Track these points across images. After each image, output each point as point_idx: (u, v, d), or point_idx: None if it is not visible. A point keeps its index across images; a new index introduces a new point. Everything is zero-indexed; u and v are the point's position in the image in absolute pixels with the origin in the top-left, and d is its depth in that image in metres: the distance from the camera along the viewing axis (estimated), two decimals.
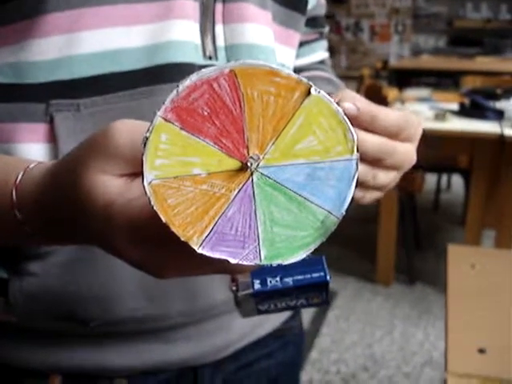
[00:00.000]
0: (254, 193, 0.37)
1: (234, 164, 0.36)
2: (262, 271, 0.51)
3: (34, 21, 0.57)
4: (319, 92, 0.37)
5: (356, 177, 0.38)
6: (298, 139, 0.37)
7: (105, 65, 0.59)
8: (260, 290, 0.51)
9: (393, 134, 0.56)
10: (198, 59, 0.63)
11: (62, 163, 0.45)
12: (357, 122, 0.53)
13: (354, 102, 0.55)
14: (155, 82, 0.60)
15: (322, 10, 0.89)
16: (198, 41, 0.63)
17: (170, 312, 0.67)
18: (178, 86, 0.35)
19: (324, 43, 0.93)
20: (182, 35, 0.61)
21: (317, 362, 2.68)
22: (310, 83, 0.36)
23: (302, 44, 0.86)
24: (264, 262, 0.38)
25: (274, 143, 0.37)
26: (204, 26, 0.64)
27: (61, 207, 0.44)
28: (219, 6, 0.65)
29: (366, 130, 0.55)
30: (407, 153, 0.59)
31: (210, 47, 0.64)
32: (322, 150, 0.37)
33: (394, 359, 2.70)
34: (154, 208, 0.35)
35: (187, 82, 0.35)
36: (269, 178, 0.37)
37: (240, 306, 0.52)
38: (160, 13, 0.60)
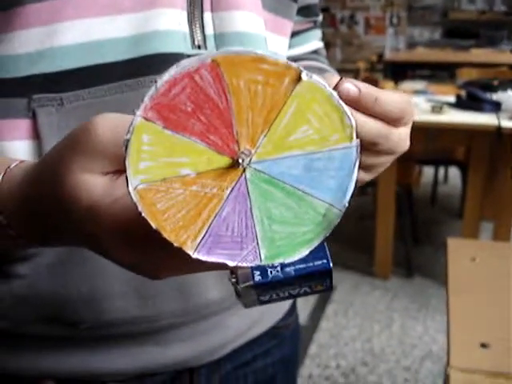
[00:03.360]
0: (248, 190, 0.35)
1: (224, 161, 0.34)
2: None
3: (13, 12, 0.55)
4: (311, 77, 0.34)
5: (357, 165, 0.36)
6: (291, 129, 0.35)
7: (88, 56, 0.57)
8: (261, 281, 0.49)
9: (395, 119, 0.53)
10: (186, 49, 0.61)
11: (42, 162, 0.43)
12: (358, 105, 0.50)
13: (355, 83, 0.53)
14: (142, 73, 0.58)
15: None
16: (186, 29, 0.61)
17: (162, 312, 0.65)
18: (156, 81, 0.33)
19: (318, 32, 0.91)
20: (169, 24, 0.59)
21: (316, 357, 2.68)
22: (301, 68, 0.34)
23: (295, 33, 0.84)
24: (265, 262, 0.36)
25: (265, 136, 0.34)
26: (192, 14, 0.62)
27: (44, 208, 0.43)
28: None
29: (365, 113, 0.52)
30: (402, 138, 0.56)
31: (198, 36, 0.62)
32: (319, 139, 0.35)
33: (394, 353, 2.70)
34: (143, 214, 0.33)
35: (166, 76, 0.32)
36: (263, 173, 0.35)
37: (241, 297, 0.50)
38: (145, 1, 0.58)
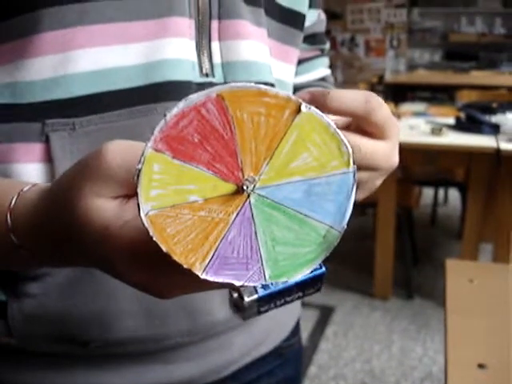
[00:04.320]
0: (252, 214, 0.37)
1: (229, 188, 0.36)
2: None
3: (28, 40, 0.57)
4: (310, 108, 0.37)
5: (354, 189, 0.38)
6: (292, 157, 0.37)
7: (100, 83, 0.59)
8: (264, 293, 0.51)
9: (359, 116, 0.55)
10: (194, 77, 0.63)
11: (55, 186, 0.45)
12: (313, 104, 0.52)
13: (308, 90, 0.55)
14: (152, 100, 0.60)
15: (321, 27, 0.89)
16: (195, 58, 0.63)
17: (170, 332, 0.66)
18: (165, 115, 0.35)
19: (325, 60, 0.93)
20: (177, 53, 0.61)
21: (315, 378, 2.67)
22: (300, 100, 0.36)
23: (302, 61, 0.86)
24: (269, 282, 0.38)
25: (268, 163, 0.37)
26: (200, 43, 0.64)
27: (57, 231, 0.44)
28: (215, 24, 0.64)
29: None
30: (386, 153, 0.58)
31: (206, 64, 0.64)
32: (318, 165, 0.37)
33: (393, 374, 2.69)
34: (154, 239, 0.35)
35: (174, 110, 0.35)
36: (266, 198, 0.37)
37: (243, 311, 0.52)
38: (155, 31, 0.60)
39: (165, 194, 0.36)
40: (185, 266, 0.36)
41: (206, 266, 0.36)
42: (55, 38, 0.57)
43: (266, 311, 0.53)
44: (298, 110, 0.36)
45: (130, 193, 0.41)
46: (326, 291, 3.43)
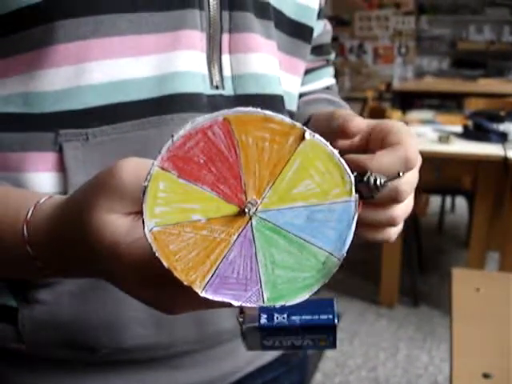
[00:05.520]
0: (253, 236, 0.38)
1: (232, 209, 0.37)
2: (271, 307, 0.52)
3: (43, 51, 0.58)
4: (314, 136, 0.37)
5: (355, 218, 0.39)
6: (295, 183, 0.38)
7: (113, 95, 0.60)
8: (266, 324, 0.51)
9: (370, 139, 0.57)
10: (205, 89, 0.64)
11: (70, 201, 0.46)
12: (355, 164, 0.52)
13: (345, 120, 0.56)
14: (163, 111, 0.61)
15: (327, 38, 0.90)
16: (205, 71, 0.64)
17: (178, 339, 0.67)
18: (172, 135, 0.36)
19: (330, 70, 0.93)
20: (189, 65, 0.62)
21: None
22: (304, 128, 0.37)
23: (308, 71, 0.86)
24: (267, 304, 0.38)
25: (271, 187, 0.37)
26: (211, 56, 0.65)
27: (70, 244, 0.45)
28: (225, 37, 0.65)
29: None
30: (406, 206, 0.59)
31: (217, 77, 0.65)
32: (320, 192, 0.38)
33: (399, 382, 2.68)
34: (156, 254, 0.36)
35: (182, 131, 0.36)
36: (268, 221, 0.38)
37: (245, 337, 0.52)
38: (167, 43, 0.61)
39: (169, 212, 0.37)
40: (185, 283, 0.37)
41: (206, 284, 0.37)
42: (70, 50, 0.58)
43: (272, 348, 0.53)
44: (303, 137, 0.37)
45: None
46: None
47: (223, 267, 0.37)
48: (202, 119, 0.36)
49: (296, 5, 0.74)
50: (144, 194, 0.36)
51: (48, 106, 0.59)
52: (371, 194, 0.47)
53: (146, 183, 0.36)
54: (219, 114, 0.36)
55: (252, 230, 0.38)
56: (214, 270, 0.37)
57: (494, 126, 3.08)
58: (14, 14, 0.57)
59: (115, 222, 0.41)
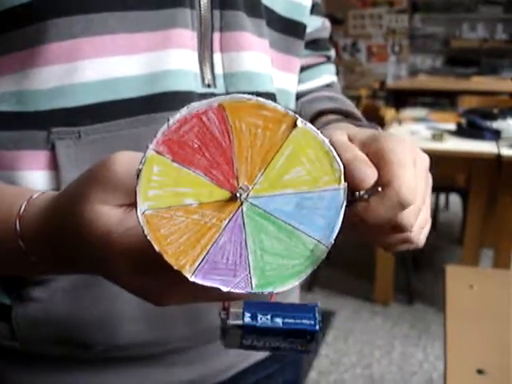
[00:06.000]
0: (244, 222, 0.38)
1: (224, 194, 0.38)
2: (254, 307, 0.52)
3: (35, 50, 0.58)
4: (306, 124, 0.38)
5: (344, 206, 0.39)
6: (286, 170, 0.38)
7: (105, 93, 0.60)
8: (249, 323, 0.51)
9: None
10: (196, 87, 0.64)
11: (63, 194, 0.46)
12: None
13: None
14: (155, 110, 0.61)
15: (325, 33, 0.90)
16: (197, 69, 0.64)
17: (171, 336, 0.67)
18: (168, 119, 0.36)
19: (331, 67, 0.93)
20: (180, 64, 0.62)
21: None
22: (296, 116, 0.38)
23: (306, 68, 0.86)
24: (255, 290, 0.39)
25: (262, 174, 0.38)
26: (202, 54, 0.65)
27: (63, 237, 0.45)
28: (217, 35, 0.65)
29: None
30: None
31: (208, 75, 0.65)
32: (310, 180, 0.39)
33: (394, 380, 2.69)
34: (148, 237, 0.37)
35: (177, 115, 0.36)
36: (258, 207, 0.38)
37: (225, 335, 0.52)
38: (159, 42, 0.61)
39: (162, 196, 0.37)
40: (175, 268, 0.37)
41: (196, 268, 0.37)
42: (62, 48, 0.58)
43: (250, 348, 0.53)
44: (295, 125, 0.38)
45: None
46: (326, 296, 3.43)
47: (213, 252, 0.38)
48: (197, 104, 0.36)
49: (287, 2, 0.74)
50: (138, 176, 0.36)
51: (41, 105, 0.59)
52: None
53: (140, 166, 0.36)
54: (214, 100, 0.37)
55: (242, 216, 0.38)
56: (204, 254, 0.37)
57: (488, 123, 3.09)
58: (6, 12, 0.57)
59: (108, 213, 0.41)
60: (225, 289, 0.38)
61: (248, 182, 0.38)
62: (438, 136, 3.01)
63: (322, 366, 2.80)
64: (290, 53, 0.76)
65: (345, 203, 0.39)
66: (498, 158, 2.75)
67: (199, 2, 0.64)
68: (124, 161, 0.42)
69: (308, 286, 3.45)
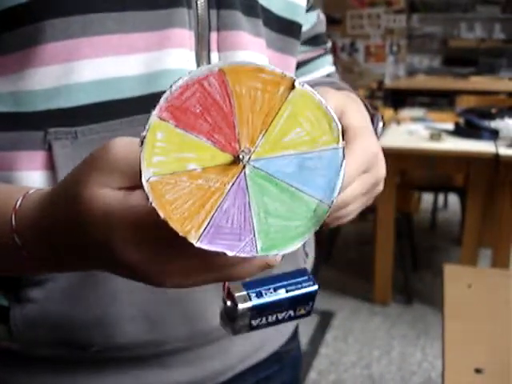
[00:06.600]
0: (247, 185, 0.38)
1: (226, 158, 0.38)
2: (253, 285, 0.52)
3: (32, 50, 0.58)
4: (303, 85, 0.39)
5: (343, 164, 0.40)
6: (285, 131, 0.39)
7: (102, 93, 0.60)
8: (258, 302, 0.51)
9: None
10: (171, 84, 0.64)
11: (60, 184, 0.46)
12: None
13: None
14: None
15: (322, 27, 0.90)
16: (194, 69, 0.64)
17: (169, 337, 0.67)
18: (171, 86, 0.37)
19: (329, 58, 0.94)
20: (178, 63, 0.62)
21: None
22: (294, 77, 0.39)
23: (306, 62, 0.88)
24: (260, 253, 0.39)
25: (263, 136, 0.39)
26: (200, 54, 0.65)
27: (62, 227, 0.45)
28: (214, 35, 0.66)
29: None
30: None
31: None
32: (310, 140, 0.39)
33: (393, 379, 2.69)
34: (153, 204, 0.36)
35: (180, 81, 0.37)
36: (260, 170, 0.39)
37: (235, 322, 0.52)
38: (156, 42, 0.61)
39: (166, 162, 0.37)
40: (180, 234, 0.37)
41: (201, 234, 0.37)
42: (59, 49, 0.58)
43: (257, 327, 0.53)
44: (293, 87, 0.39)
45: (134, 184, 0.41)
46: (325, 296, 3.43)
47: (218, 217, 0.38)
48: (198, 71, 0.37)
49: (284, 2, 0.74)
50: (142, 143, 0.37)
51: (37, 105, 0.59)
52: None
53: (144, 133, 0.37)
54: (215, 65, 0.38)
55: (245, 179, 0.38)
56: (208, 219, 0.38)
57: (486, 123, 3.09)
58: (3, 13, 0.57)
59: (107, 195, 0.41)
60: (230, 253, 0.38)
61: (249, 144, 0.38)
62: (436, 136, 3.01)
63: (322, 366, 2.80)
64: (286, 52, 0.76)
65: (344, 162, 0.40)
66: (496, 158, 2.75)
67: (196, 2, 0.64)
68: (123, 144, 0.42)
69: None
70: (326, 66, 0.93)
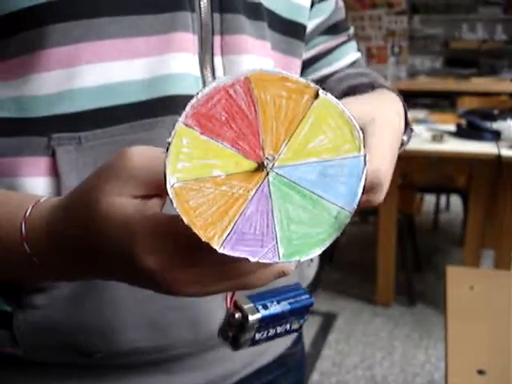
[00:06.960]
0: (270, 192, 0.39)
1: (250, 165, 0.39)
2: (258, 297, 0.52)
3: (35, 55, 0.58)
4: (326, 94, 0.40)
5: (365, 172, 0.41)
6: (309, 139, 0.40)
7: (105, 98, 0.60)
8: (266, 313, 0.51)
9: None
10: (197, 91, 0.64)
11: (73, 193, 0.46)
12: None
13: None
14: (156, 114, 0.61)
15: (341, 14, 0.89)
16: (198, 73, 0.64)
17: (173, 343, 0.66)
18: (197, 93, 0.38)
19: (353, 44, 0.92)
20: (181, 68, 0.62)
21: None
22: (318, 87, 0.39)
23: (330, 50, 0.87)
24: (282, 260, 0.39)
25: (287, 144, 0.39)
26: (203, 58, 0.65)
27: (73, 237, 0.45)
28: (217, 39, 0.65)
29: None
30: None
31: (209, 79, 0.65)
32: (332, 148, 0.40)
33: (395, 381, 2.69)
34: (177, 210, 0.37)
35: (206, 89, 0.38)
36: (283, 177, 0.39)
37: (243, 333, 0.52)
38: (159, 46, 0.61)
39: (190, 168, 0.38)
40: (203, 239, 0.37)
41: (224, 240, 0.38)
42: (62, 54, 0.58)
43: (258, 342, 0.54)
44: (316, 96, 0.40)
45: (151, 193, 0.42)
46: (328, 298, 3.43)
47: (241, 223, 0.38)
48: (224, 78, 0.38)
49: (288, 4, 0.74)
50: (168, 149, 0.37)
51: (41, 111, 0.59)
52: None
53: (170, 139, 0.37)
54: (241, 73, 0.38)
55: (269, 186, 0.39)
56: (232, 226, 0.38)
57: (487, 124, 3.09)
58: (6, 17, 0.57)
59: (124, 203, 0.41)
60: (253, 259, 0.38)
61: (273, 152, 0.39)
62: (437, 137, 3.01)
63: (324, 368, 2.80)
64: (290, 54, 0.76)
65: (366, 169, 0.41)
66: (498, 159, 2.75)
67: (199, 6, 0.64)
68: (140, 153, 0.42)
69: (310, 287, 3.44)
70: (350, 53, 0.91)
